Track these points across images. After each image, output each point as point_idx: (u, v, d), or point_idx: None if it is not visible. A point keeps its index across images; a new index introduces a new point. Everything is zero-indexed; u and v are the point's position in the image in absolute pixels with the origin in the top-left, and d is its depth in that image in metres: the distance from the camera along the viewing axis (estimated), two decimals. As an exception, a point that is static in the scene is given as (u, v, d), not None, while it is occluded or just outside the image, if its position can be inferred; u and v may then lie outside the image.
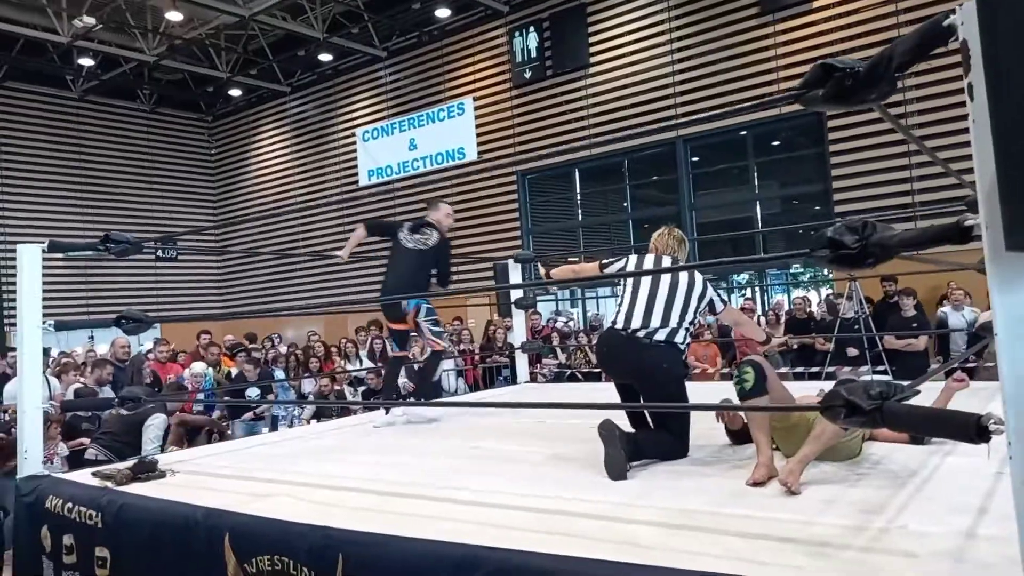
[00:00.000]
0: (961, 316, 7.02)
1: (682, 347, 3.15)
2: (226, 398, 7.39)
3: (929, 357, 7.05)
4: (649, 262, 3.32)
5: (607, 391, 3.63)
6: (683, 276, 3.19)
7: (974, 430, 1.47)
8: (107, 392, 6.14)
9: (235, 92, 16.96)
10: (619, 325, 3.17)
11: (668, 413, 3.08)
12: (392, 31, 14.56)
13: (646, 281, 3.21)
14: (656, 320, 3.10)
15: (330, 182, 15.81)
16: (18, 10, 12.75)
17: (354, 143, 15.46)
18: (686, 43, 11.34)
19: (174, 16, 13.14)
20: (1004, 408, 1.35)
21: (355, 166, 15.41)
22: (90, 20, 12.81)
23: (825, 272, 10.04)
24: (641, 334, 3.11)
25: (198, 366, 7.59)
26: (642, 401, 3.20)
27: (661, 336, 3.09)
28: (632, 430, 3.10)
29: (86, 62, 14.75)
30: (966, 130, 1.41)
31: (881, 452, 2.85)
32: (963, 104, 1.40)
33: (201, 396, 6.97)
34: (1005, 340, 1.34)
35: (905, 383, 1.86)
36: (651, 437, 3.07)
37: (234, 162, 17.94)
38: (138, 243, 3.61)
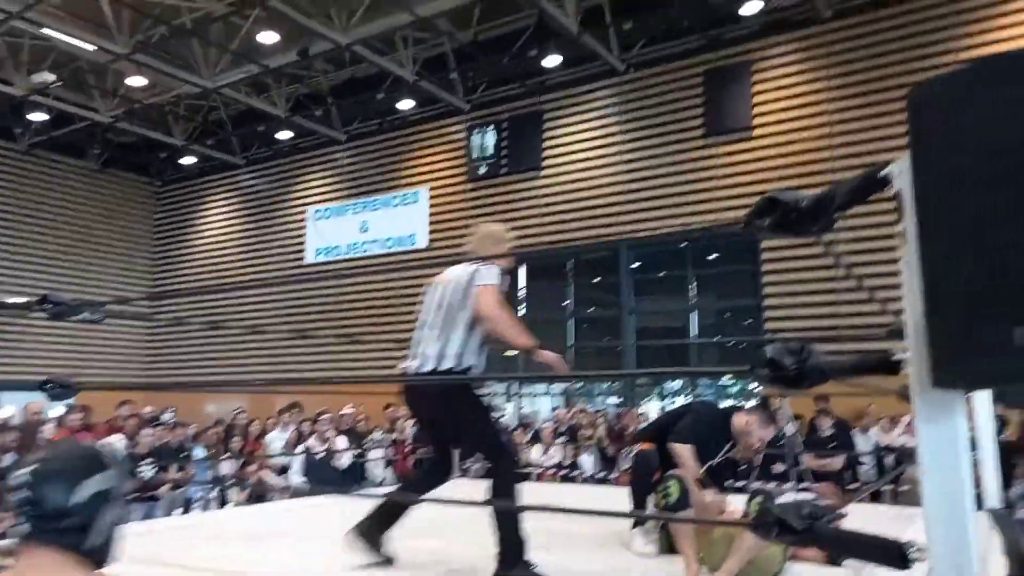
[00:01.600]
0: (867, 439, 7.27)
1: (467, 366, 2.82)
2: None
3: (844, 477, 7.24)
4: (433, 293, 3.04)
5: (540, 490, 3.61)
6: (452, 283, 2.91)
7: (897, 556, 1.53)
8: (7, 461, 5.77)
9: (188, 160, 16.90)
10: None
11: (485, 437, 2.86)
12: (353, 116, 14.88)
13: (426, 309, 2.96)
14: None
15: (275, 257, 15.67)
16: (-26, 59, 12.62)
17: (303, 220, 15.46)
18: (635, 155, 11.91)
19: (137, 81, 13.18)
20: (927, 535, 1.42)
21: (302, 243, 15.36)
22: (49, 77, 12.74)
23: (754, 386, 10.32)
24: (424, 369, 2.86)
25: (111, 439, 7.20)
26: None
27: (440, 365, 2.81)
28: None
29: (38, 116, 14.54)
30: (890, 261, 1.53)
31: (802, 570, 2.89)
32: (886, 237, 1.53)
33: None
34: (929, 471, 1.41)
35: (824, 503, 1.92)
36: (496, 499, 2.79)
37: (178, 229, 17.66)
38: (76, 305, 3.50)
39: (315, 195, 15.51)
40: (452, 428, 2.88)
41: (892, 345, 1.68)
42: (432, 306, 2.92)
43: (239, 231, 16.52)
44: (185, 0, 11.30)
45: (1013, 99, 1.19)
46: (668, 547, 3.01)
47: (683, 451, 3.47)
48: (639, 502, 3.42)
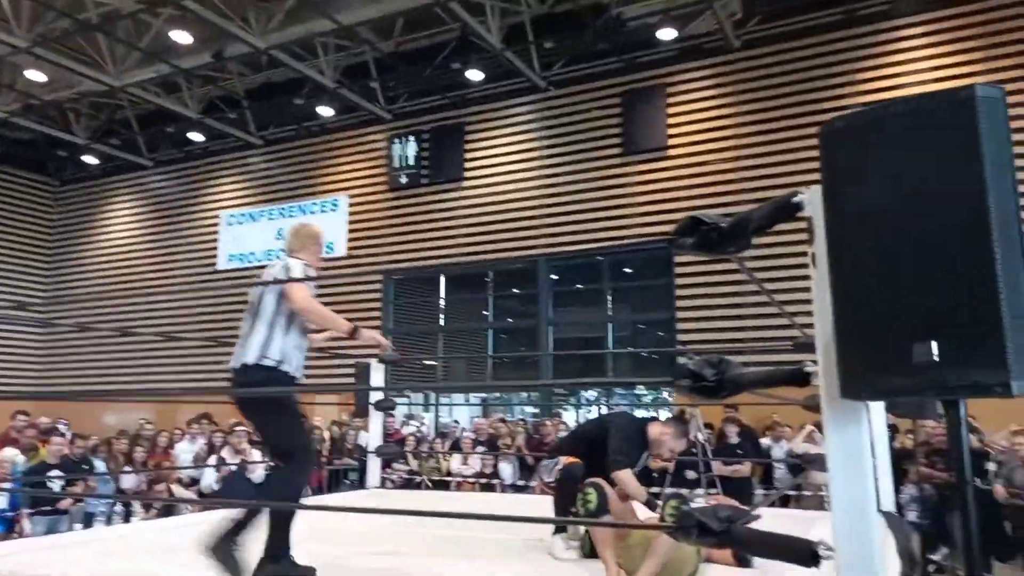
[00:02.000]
0: (780, 447, 7.65)
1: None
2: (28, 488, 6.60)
3: (752, 483, 7.58)
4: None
5: (460, 499, 3.64)
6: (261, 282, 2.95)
7: (808, 556, 1.65)
8: None
9: (90, 159, 16.08)
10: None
11: (281, 437, 2.91)
12: (269, 121, 14.54)
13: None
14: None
15: (184, 262, 15.09)
16: None
17: (216, 225, 14.97)
18: (554, 171, 12.13)
19: (36, 76, 12.48)
20: (834, 536, 1.54)
21: (215, 249, 14.85)
22: (-64, 66, 11.90)
23: (667, 395, 10.65)
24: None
25: (7, 452, 6.78)
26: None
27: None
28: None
29: (-78, 108, 13.55)
30: (797, 278, 1.66)
31: (714, 572, 3.04)
32: (795, 255, 1.66)
33: (7, 486, 6.20)
34: (837, 476, 1.54)
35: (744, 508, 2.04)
36: (266, 492, 2.84)
37: (78, 231, 16.75)
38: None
39: (228, 200, 15.05)
40: (256, 426, 2.93)
41: (803, 358, 1.81)
42: (248, 307, 2.97)
43: (146, 235, 15.82)
44: (92, -7, 10.80)
45: (916, 139, 1.32)
46: (590, 553, 3.10)
47: (626, 478, 3.52)
48: (563, 510, 3.49)
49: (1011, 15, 9.59)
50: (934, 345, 1.25)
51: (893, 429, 7.08)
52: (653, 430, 3.75)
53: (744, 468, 7.47)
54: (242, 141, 14.75)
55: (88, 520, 6.48)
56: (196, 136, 14.93)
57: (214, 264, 14.74)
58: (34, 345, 16.15)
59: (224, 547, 2.66)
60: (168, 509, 6.01)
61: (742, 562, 3.08)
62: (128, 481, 7.58)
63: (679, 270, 11.01)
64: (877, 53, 10.29)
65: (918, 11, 10.14)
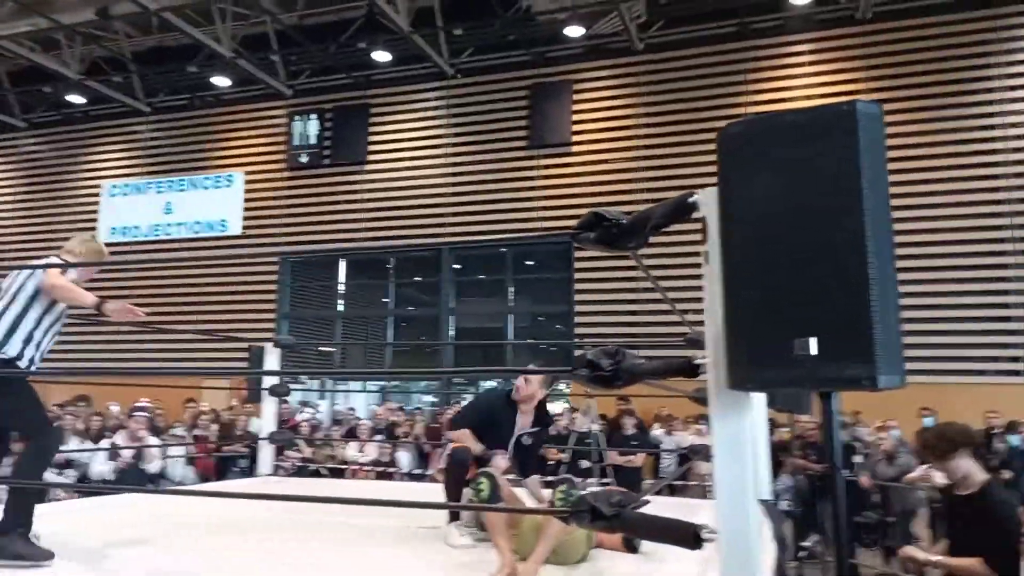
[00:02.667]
0: (672, 439, 7.98)
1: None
2: None
3: (642, 473, 7.88)
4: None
5: (356, 487, 3.61)
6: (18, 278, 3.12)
7: (692, 538, 1.74)
8: None
9: (-48, 116, 14.73)
10: None
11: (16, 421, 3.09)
12: (159, 87, 13.76)
13: None
14: None
15: (60, 233, 14.06)
16: None
17: (97, 196, 14.05)
18: (460, 159, 12.10)
19: None
20: (717, 520, 1.63)
21: (95, 220, 13.94)
22: None
23: (564, 387, 10.88)
24: None
25: None
26: None
27: None
28: None
29: None
30: (692, 276, 1.74)
31: (601, 556, 3.16)
32: (689, 254, 1.74)
33: None
34: (721, 462, 1.63)
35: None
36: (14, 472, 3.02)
37: (-65, 194, 15.33)
38: None
39: (112, 169, 14.15)
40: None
41: (693, 352, 1.90)
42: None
43: (18, 200, 14.66)
44: (-39, -65, 9.88)
45: (804, 147, 1.42)
46: (486, 537, 3.15)
47: (459, 435, 3.72)
48: (454, 497, 3.52)
49: (890, 38, 10.31)
50: (813, 341, 1.34)
51: (771, 423, 7.52)
52: (518, 385, 3.85)
53: (637, 459, 7.73)
54: (128, 107, 13.90)
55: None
56: (76, 98, 13.96)
57: (93, 237, 13.81)
58: None
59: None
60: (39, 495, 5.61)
61: (630, 548, 3.20)
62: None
63: (578, 264, 11.24)
64: (769, 66, 10.84)
65: (806, 29, 10.76)
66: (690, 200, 1.80)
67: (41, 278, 3.08)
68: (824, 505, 6.54)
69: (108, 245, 12.94)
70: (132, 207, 13.71)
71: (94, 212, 14.00)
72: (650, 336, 10.14)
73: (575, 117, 11.67)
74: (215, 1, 10.84)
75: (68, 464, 6.64)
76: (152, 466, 6.74)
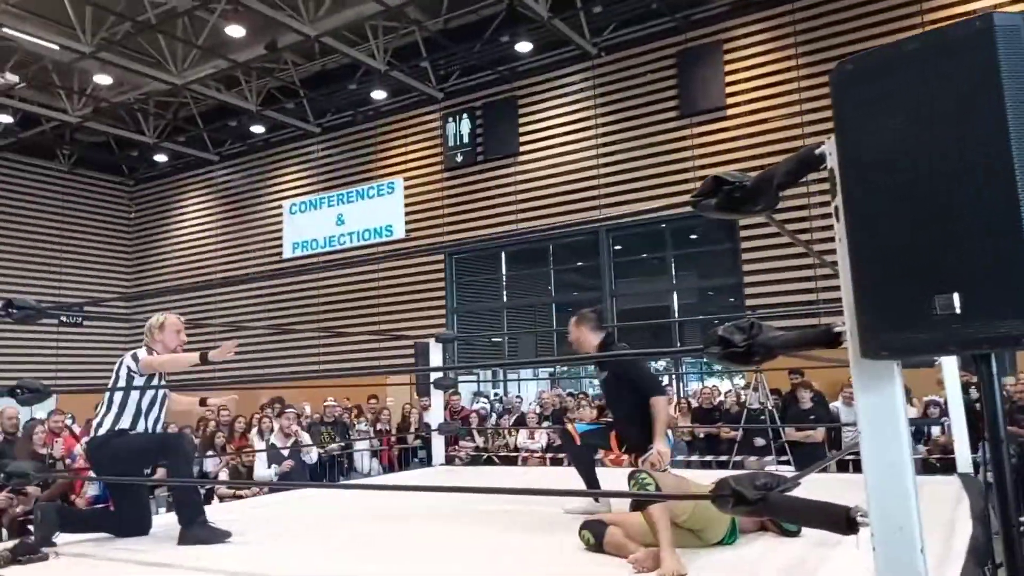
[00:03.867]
0: (851, 411, 7.38)
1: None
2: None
3: (826, 448, 7.35)
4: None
5: (524, 475, 3.65)
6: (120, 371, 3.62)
7: (844, 522, 1.58)
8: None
9: (160, 157, 16.73)
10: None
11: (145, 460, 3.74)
12: (326, 108, 14.78)
13: None
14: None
15: (253, 253, 15.59)
16: (-64, 62, 12.39)
17: (280, 215, 15.38)
18: (611, 139, 11.93)
19: (103, 79, 13.02)
20: (868, 501, 1.47)
21: (280, 238, 15.28)
22: (13, 78, 12.53)
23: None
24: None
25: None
26: None
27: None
28: None
29: (4, 119, 14.32)
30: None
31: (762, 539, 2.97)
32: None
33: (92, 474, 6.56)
34: (867, 436, 1.46)
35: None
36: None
37: (154, 228, 17.51)
38: (42, 309, 3.49)
39: (291, 189, 15.42)
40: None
41: (833, 320, 1.72)
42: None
43: (216, 228, 16.40)
44: (149, -4, 11.14)
45: (930, 78, 1.23)
46: (596, 547, 2.94)
47: (661, 402, 3.67)
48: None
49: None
50: (956, 297, 1.16)
51: (967, 387, 6.74)
52: (575, 335, 3.97)
53: (817, 434, 7.25)
54: (301, 130, 15.06)
55: (169, 505, 6.81)
56: (257, 128, 15.32)
57: (280, 254, 15.17)
58: (118, 341, 16.97)
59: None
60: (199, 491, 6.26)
61: (783, 531, 2.99)
62: (210, 464, 7.91)
63: (744, 233, 10.71)
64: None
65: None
66: (817, 152, 1.63)
67: (136, 367, 3.61)
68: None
69: (290, 260, 14.10)
70: (309, 222, 14.86)
71: (279, 230, 15.32)
72: (830, 302, 9.45)
73: (728, 79, 11.10)
74: (367, 19, 11.41)
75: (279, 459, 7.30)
76: (310, 457, 7.26)
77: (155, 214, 17.57)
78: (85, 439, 3.69)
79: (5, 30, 11.12)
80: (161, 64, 12.53)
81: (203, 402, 4.18)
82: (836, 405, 7.64)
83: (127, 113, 14.95)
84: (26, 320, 3.36)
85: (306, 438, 7.53)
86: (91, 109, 14.12)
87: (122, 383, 3.57)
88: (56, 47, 11.57)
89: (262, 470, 7.12)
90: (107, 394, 3.59)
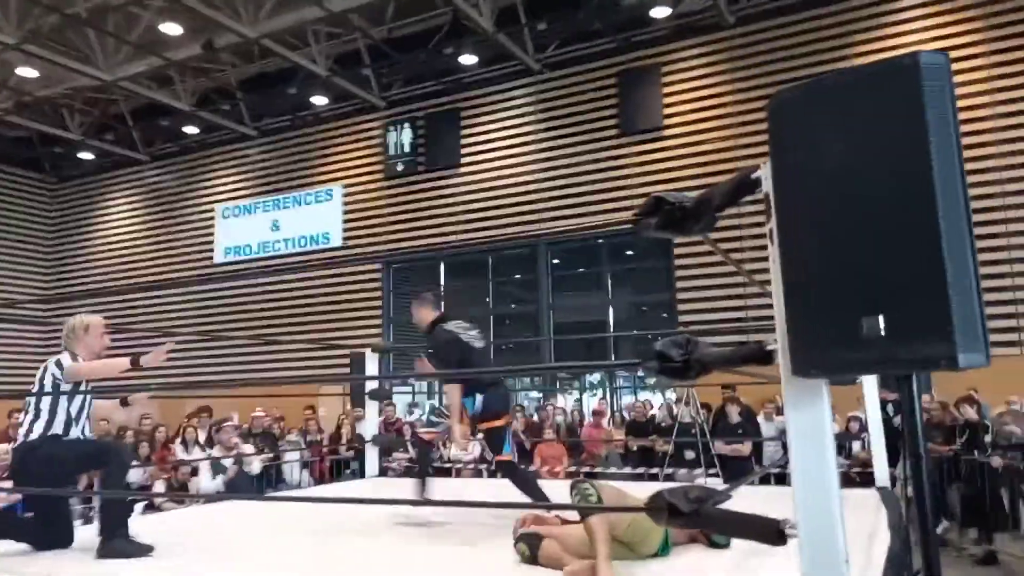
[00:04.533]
0: (772, 425, 7.64)
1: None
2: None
3: (753, 461, 7.58)
4: None
5: (459, 487, 3.63)
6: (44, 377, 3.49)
7: (775, 534, 1.63)
8: None
9: (86, 155, 16.06)
10: None
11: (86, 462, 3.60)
12: (264, 112, 14.48)
13: None
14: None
15: (182, 257, 15.10)
16: None
17: (212, 219, 14.96)
18: (551, 154, 12.07)
19: (28, 73, 12.46)
20: (796, 513, 1.52)
21: (211, 243, 14.85)
22: (-73, 65, 11.88)
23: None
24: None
25: (3, 447, 6.80)
26: None
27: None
28: None
29: (-85, 108, 13.55)
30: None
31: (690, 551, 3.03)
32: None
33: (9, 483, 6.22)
34: (796, 451, 1.52)
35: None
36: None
37: (77, 228, 16.77)
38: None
39: (224, 192, 15.03)
40: None
41: (765, 337, 1.79)
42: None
43: (144, 230, 15.83)
44: (80, -12, 10.73)
45: (861, 109, 1.29)
46: (531, 559, 2.94)
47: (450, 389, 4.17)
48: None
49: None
50: (881, 319, 1.22)
51: (893, 404, 7.06)
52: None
53: (744, 448, 7.46)
54: (237, 133, 14.71)
55: (87, 516, 6.51)
56: (191, 129, 14.90)
57: (211, 258, 14.75)
58: (34, 344, 16.13)
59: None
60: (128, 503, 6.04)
61: (712, 543, 3.07)
62: (133, 475, 7.60)
63: (678, 251, 10.97)
64: (874, 25, 10.19)
65: (914, -20, 10.01)
66: (753, 176, 1.70)
67: (62, 375, 3.45)
68: (952, 489, 6.07)
69: (222, 265, 13.77)
70: (243, 227, 14.50)
71: (210, 234, 14.90)
72: (759, 320, 9.75)
73: (666, 100, 11.39)
74: (310, 24, 11.26)
75: (195, 472, 7.08)
76: (253, 468, 7.08)
77: (78, 214, 16.84)
78: (8, 445, 3.51)
79: (-80, 15, 10.54)
80: (90, 59, 12.08)
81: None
82: (759, 419, 7.89)
83: (52, 108, 14.33)
84: (-65, 322, 3.18)
85: (248, 449, 7.33)
86: (13, 103, 13.48)
87: (47, 385, 3.42)
88: (-24, 36, 11.02)
89: (206, 481, 6.89)
90: (32, 400, 3.43)
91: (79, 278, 16.40)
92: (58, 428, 3.38)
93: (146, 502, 6.52)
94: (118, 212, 16.32)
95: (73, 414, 3.45)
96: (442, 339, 4.21)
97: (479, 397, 4.14)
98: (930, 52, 1.23)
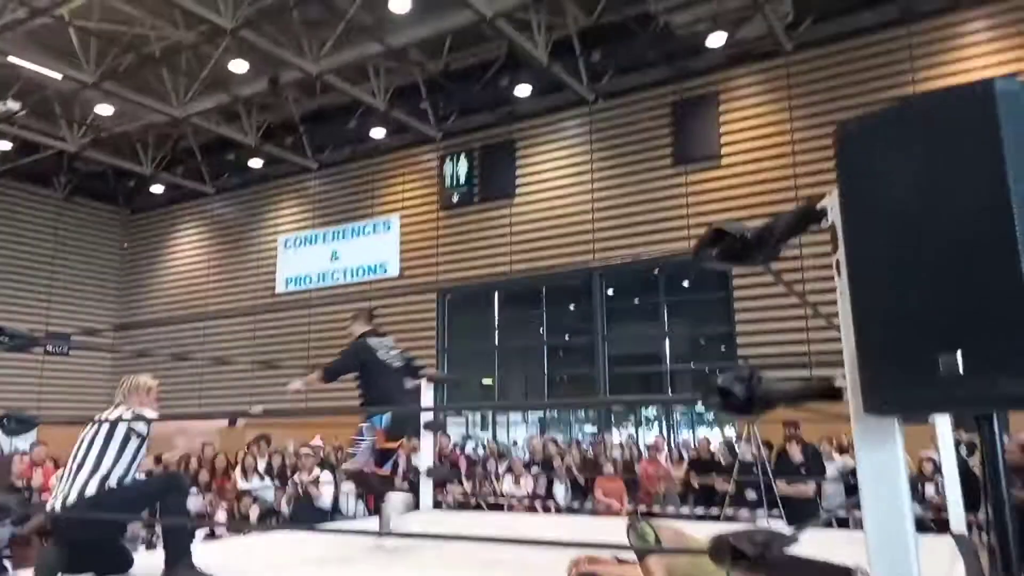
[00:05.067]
0: (832, 465, 7.32)
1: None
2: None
3: (819, 503, 7.27)
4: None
5: (512, 522, 3.58)
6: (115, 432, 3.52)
7: (845, 581, 1.54)
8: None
9: (157, 188, 16.77)
10: None
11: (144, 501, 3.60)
12: (325, 144, 14.89)
13: None
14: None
15: (246, 287, 15.54)
16: (-62, 87, 12.47)
17: (275, 249, 15.38)
18: (606, 184, 12.05)
19: (105, 110, 13.10)
20: (869, 559, 1.44)
21: (273, 272, 15.25)
22: (15, 105, 12.60)
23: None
24: None
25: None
26: None
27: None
28: None
29: (3, 146, 14.36)
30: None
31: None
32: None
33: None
34: (868, 493, 1.44)
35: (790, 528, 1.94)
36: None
37: (147, 259, 17.46)
38: (34, 338, 3.44)
39: (286, 223, 15.45)
40: None
41: (834, 372, 1.71)
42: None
43: (209, 260, 16.37)
44: (154, 29, 11.29)
45: (933, 138, 1.24)
46: None
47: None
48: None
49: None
50: (959, 355, 1.15)
51: (968, 446, 6.72)
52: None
53: (808, 488, 7.17)
54: (298, 165, 15.15)
55: (150, 541, 6.66)
56: (255, 162, 15.41)
57: (272, 288, 15.12)
58: (104, 370, 16.75)
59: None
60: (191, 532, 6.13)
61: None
62: (192, 503, 7.76)
63: (737, 281, 10.77)
64: (937, 50, 9.93)
65: (980, 1, 9.73)
66: (818, 206, 1.64)
67: (147, 432, 3.54)
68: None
69: (283, 294, 14.09)
70: (303, 257, 14.87)
71: (273, 264, 15.30)
72: (822, 354, 9.46)
73: (723, 128, 11.28)
74: (369, 58, 11.58)
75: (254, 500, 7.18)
76: (323, 500, 7.13)
77: (148, 244, 17.54)
78: (53, 501, 3.49)
79: (11, 59, 11.22)
80: (163, 96, 12.64)
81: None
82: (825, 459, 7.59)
83: (126, 143, 15.02)
84: (16, 349, 3.30)
85: (326, 476, 7.42)
86: (90, 139, 14.18)
87: (118, 439, 3.48)
88: (59, 76, 11.66)
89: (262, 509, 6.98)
90: (93, 454, 3.43)
91: (147, 306, 17.00)
92: (114, 481, 3.43)
93: (207, 530, 6.63)
94: (185, 243, 16.93)
95: (135, 465, 3.52)
96: (353, 348, 4.68)
97: (387, 416, 4.57)
98: (1004, 78, 1.18)
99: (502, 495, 8.03)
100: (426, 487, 5.75)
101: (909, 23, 10.10)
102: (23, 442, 9.51)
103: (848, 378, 1.48)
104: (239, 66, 11.70)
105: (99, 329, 16.19)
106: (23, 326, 3.09)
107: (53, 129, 14.07)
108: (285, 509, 7.17)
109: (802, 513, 6.28)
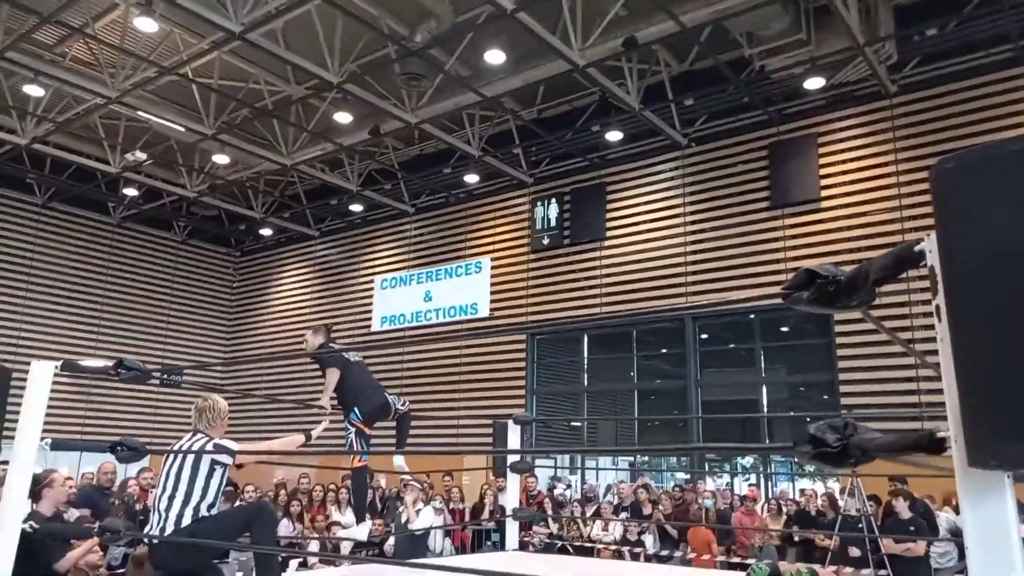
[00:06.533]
0: (943, 519, 6.82)
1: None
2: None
3: (930, 563, 6.77)
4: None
5: (602, 567, 3.53)
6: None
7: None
8: (73, 513, 6.03)
9: (266, 231, 17.75)
10: None
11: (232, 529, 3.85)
12: (421, 190, 15.41)
13: None
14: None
15: (343, 325, 16.09)
16: (77, 140, 13.70)
17: (371, 289, 15.90)
18: (699, 227, 11.88)
19: (221, 159, 14.04)
20: (978, 626, 1.34)
21: (370, 311, 15.75)
22: (141, 155, 13.70)
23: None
24: None
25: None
26: None
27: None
28: None
29: (130, 192, 15.60)
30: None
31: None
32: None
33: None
34: (974, 557, 1.35)
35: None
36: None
37: (254, 297, 18.40)
38: (148, 371, 3.69)
39: (383, 265, 15.98)
40: None
41: (937, 424, 1.63)
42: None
43: (311, 299, 17.09)
44: (267, 84, 12.08)
45: (1038, 176, 1.19)
46: None
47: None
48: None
49: None
50: (1073, 408, 1.08)
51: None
52: None
53: (918, 547, 6.70)
54: (396, 210, 15.71)
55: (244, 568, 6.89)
56: (356, 207, 16.09)
57: (369, 326, 15.60)
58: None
59: None
60: (325, 562, 6.28)
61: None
62: (281, 529, 7.99)
63: (840, 328, 10.31)
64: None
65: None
66: (916, 248, 1.59)
67: (233, 459, 3.81)
68: None
69: (378, 332, 14.51)
70: (399, 297, 15.30)
71: (369, 304, 15.81)
72: (934, 406, 8.89)
73: (823, 171, 10.96)
74: (464, 108, 11.97)
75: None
76: (418, 524, 7.20)
77: (256, 284, 18.50)
78: (149, 529, 3.66)
79: (140, 113, 12.24)
80: (273, 146, 13.44)
81: (308, 436, 4.48)
82: (938, 514, 7.08)
83: (239, 189, 16.01)
84: (132, 381, 3.55)
85: (428, 511, 7.54)
86: (207, 185, 15.20)
87: (204, 469, 3.64)
88: (182, 129, 12.61)
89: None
90: (183, 484, 3.59)
91: (253, 343, 17.85)
92: (205, 509, 3.58)
93: (300, 560, 6.81)
94: (289, 283, 17.75)
95: (221, 493, 3.70)
96: (330, 358, 5.37)
97: (358, 409, 5.34)
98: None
99: (589, 539, 7.88)
100: (512, 528, 5.72)
101: (1018, 65, 9.59)
102: (134, 468, 10.09)
103: (952, 430, 1.41)
104: (343, 117, 12.32)
105: (211, 363, 17.10)
106: (141, 359, 3.31)
107: (174, 177, 15.18)
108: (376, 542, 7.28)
109: (911, 573, 5.85)
